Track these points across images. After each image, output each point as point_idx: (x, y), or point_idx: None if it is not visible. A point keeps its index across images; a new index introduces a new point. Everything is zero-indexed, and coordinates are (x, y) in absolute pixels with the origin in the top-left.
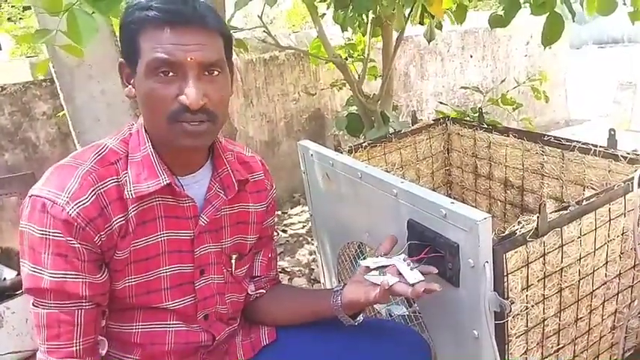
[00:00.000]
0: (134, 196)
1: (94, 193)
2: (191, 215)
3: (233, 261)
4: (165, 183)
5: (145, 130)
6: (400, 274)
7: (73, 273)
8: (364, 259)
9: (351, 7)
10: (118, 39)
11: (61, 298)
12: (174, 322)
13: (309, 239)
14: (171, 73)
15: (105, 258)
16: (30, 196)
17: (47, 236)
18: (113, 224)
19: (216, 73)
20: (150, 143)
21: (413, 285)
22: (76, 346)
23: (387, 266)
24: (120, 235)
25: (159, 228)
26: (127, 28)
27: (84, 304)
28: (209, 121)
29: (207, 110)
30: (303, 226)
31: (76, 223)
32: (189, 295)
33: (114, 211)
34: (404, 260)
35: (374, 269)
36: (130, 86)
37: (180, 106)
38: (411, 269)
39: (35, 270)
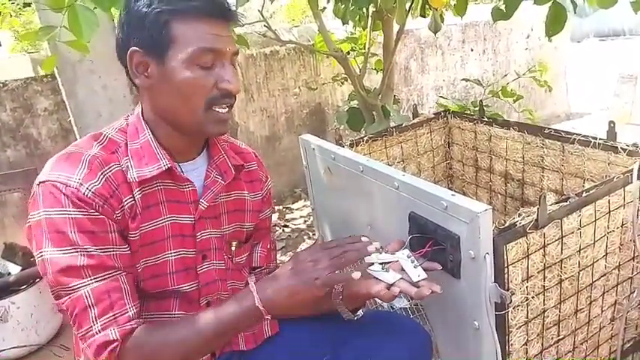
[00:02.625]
0: (137, 179)
1: (103, 175)
2: (191, 200)
3: (233, 248)
4: (166, 167)
5: (145, 120)
6: (403, 270)
7: (104, 247)
8: None
9: (351, 0)
10: (132, 28)
11: (100, 271)
12: (178, 312)
13: (311, 234)
14: (211, 62)
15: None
16: (38, 184)
17: (69, 215)
18: (124, 204)
19: (235, 65)
20: (149, 131)
21: (417, 282)
22: (131, 310)
23: (390, 262)
24: (130, 216)
25: (162, 212)
26: (150, 16)
27: (121, 271)
28: (232, 107)
29: (234, 95)
30: (305, 221)
31: (93, 202)
32: (193, 280)
33: (123, 192)
34: (407, 257)
35: (377, 264)
36: (142, 76)
37: (219, 93)
38: (415, 267)
39: (66, 251)
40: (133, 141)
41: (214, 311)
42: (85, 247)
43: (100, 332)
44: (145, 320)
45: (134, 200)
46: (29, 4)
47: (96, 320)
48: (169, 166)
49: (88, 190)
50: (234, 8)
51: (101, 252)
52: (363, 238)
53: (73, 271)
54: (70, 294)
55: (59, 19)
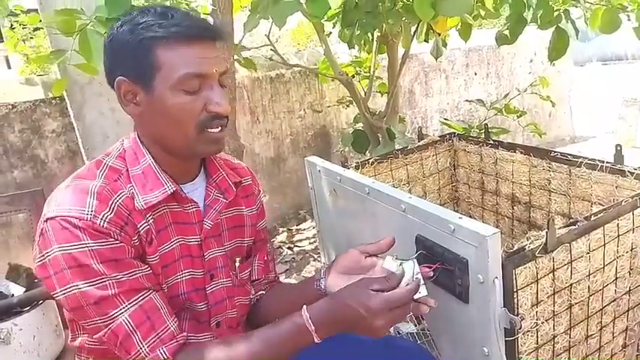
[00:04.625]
0: (145, 206)
1: (114, 204)
2: (196, 220)
3: (237, 264)
4: (171, 191)
5: (142, 143)
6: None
7: (129, 271)
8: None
9: (357, 25)
10: (112, 55)
11: (133, 295)
12: (188, 335)
13: (316, 256)
14: (198, 86)
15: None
16: (47, 220)
17: (89, 248)
18: (140, 230)
19: (225, 84)
20: (149, 155)
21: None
22: (172, 325)
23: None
24: (147, 241)
25: (171, 235)
26: (132, 44)
27: (152, 291)
28: (225, 127)
29: (226, 117)
30: (310, 243)
31: (111, 232)
32: (203, 300)
33: (136, 219)
34: (415, 273)
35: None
36: (132, 104)
37: (209, 115)
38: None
39: (94, 282)
40: (133, 167)
41: (267, 340)
42: (113, 275)
43: (149, 355)
44: (186, 339)
45: (148, 225)
46: (39, 29)
47: (141, 343)
48: (174, 189)
49: (103, 221)
50: (217, 27)
51: (129, 277)
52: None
53: (106, 301)
54: (109, 324)
55: (69, 42)
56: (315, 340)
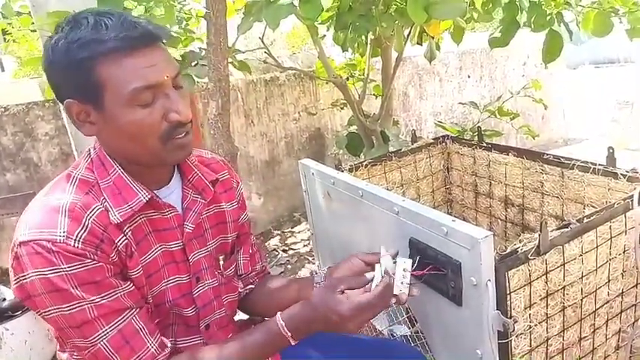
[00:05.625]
0: (121, 219)
1: (87, 221)
2: (176, 225)
3: (222, 262)
4: (146, 199)
5: (107, 154)
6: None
7: (109, 292)
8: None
9: (351, 28)
10: (55, 76)
11: (113, 318)
12: (178, 340)
13: (310, 258)
14: (152, 98)
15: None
16: (20, 244)
17: (65, 273)
18: (118, 245)
19: (181, 85)
20: (117, 165)
21: (396, 294)
22: (152, 346)
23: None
24: (127, 255)
25: (152, 244)
26: (78, 65)
27: (133, 310)
28: (190, 131)
29: (188, 122)
30: (305, 245)
31: (87, 252)
32: (191, 305)
33: (113, 233)
34: (404, 270)
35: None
36: (87, 124)
37: (170, 125)
38: (402, 282)
39: (73, 307)
40: (103, 179)
41: (246, 346)
42: (91, 299)
43: None
44: (171, 352)
45: (127, 238)
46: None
47: None
48: (149, 196)
49: (77, 242)
50: (156, 28)
51: (108, 299)
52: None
53: (86, 325)
54: (89, 348)
55: None
56: (292, 343)
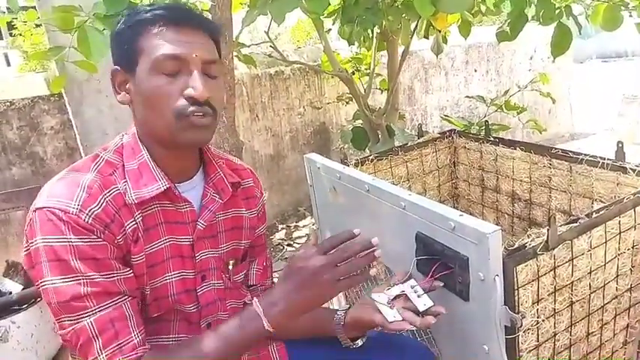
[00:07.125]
0: (136, 201)
1: (103, 200)
2: (189, 220)
3: (231, 267)
4: (165, 187)
5: (139, 139)
6: (409, 300)
7: (107, 273)
8: (376, 284)
9: (357, 21)
10: (112, 47)
11: (104, 299)
12: (178, 335)
13: None
14: (176, 70)
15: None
16: (35, 210)
17: (70, 243)
18: (126, 228)
19: (215, 75)
20: (146, 150)
21: (422, 312)
22: (136, 337)
23: (399, 295)
24: (133, 240)
25: (161, 234)
26: (124, 33)
27: (126, 297)
28: (211, 116)
29: (211, 105)
30: (309, 239)
31: (94, 229)
32: (193, 302)
33: (124, 216)
34: (412, 287)
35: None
36: (123, 93)
37: (186, 101)
38: (419, 296)
39: (68, 279)
40: (129, 162)
41: (219, 333)
42: (88, 274)
43: None
44: (150, 347)
45: (136, 223)
46: (40, 25)
47: (101, 351)
48: (168, 186)
49: (88, 216)
50: (207, 19)
51: (105, 278)
52: (355, 231)
53: (76, 300)
54: (73, 325)
55: (68, 39)
56: (265, 326)
